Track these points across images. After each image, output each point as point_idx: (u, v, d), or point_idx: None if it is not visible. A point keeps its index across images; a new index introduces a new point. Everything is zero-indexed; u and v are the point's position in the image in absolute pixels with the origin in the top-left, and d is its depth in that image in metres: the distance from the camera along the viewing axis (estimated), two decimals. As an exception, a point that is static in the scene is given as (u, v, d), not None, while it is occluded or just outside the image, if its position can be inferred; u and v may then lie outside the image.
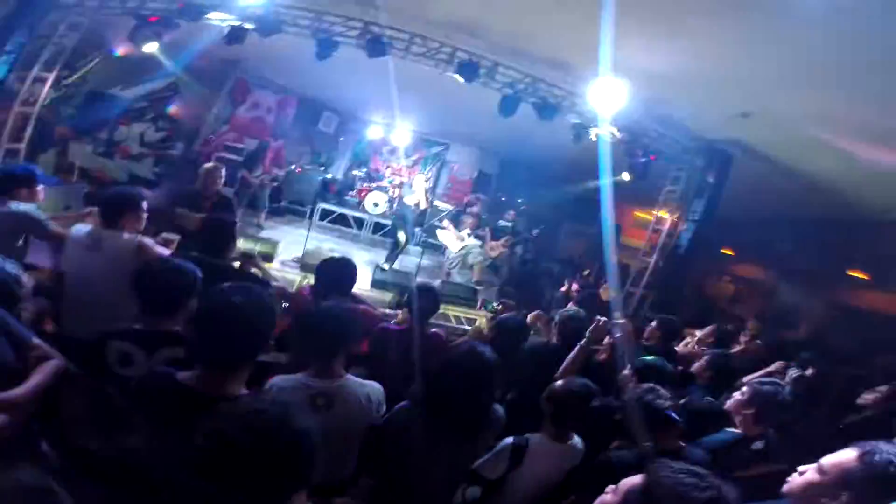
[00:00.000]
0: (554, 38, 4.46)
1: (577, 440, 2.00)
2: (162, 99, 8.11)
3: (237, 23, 4.47)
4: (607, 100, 4.85)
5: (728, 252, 12.32)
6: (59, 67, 5.19)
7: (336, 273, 2.64)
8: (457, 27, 4.45)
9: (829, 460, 1.35)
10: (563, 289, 6.19)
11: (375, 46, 4.55)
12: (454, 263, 7.38)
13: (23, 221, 2.86)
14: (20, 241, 2.94)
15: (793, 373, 3.71)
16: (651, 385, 1.97)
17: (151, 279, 1.89)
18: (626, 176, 6.57)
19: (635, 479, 1.09)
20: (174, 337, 1.79)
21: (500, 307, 5.28)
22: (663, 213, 6.92)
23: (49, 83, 5.10)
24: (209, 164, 4.27)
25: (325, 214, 9.61)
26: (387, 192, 9.91)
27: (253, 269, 3.03)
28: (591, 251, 9.20)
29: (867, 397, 3.41)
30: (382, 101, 8.53)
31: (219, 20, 4.52)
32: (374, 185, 10.15)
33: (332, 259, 2.82)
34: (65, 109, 6.78)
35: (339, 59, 4.80)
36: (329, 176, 10.50)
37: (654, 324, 3.63)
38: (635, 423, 1.85)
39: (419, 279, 5.99)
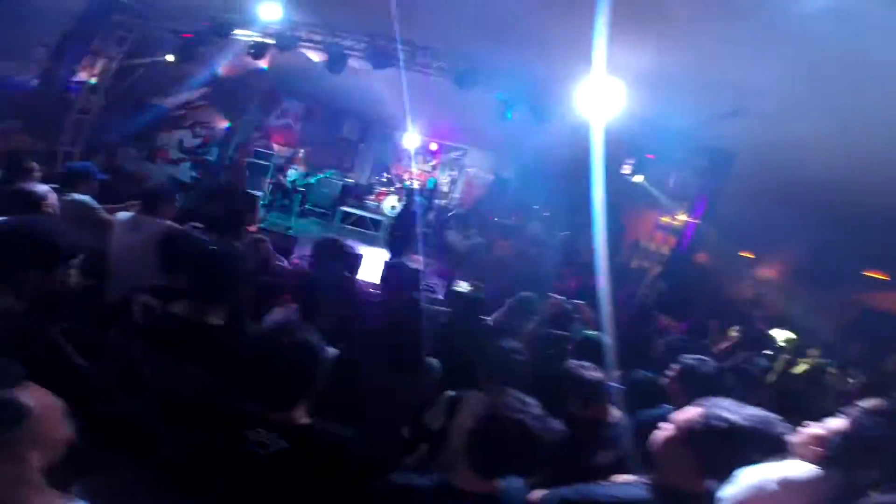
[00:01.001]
0: (548, 41, 4.72)
1: None
2: (198, 107, 8.87)
3: (259, 39, 5.02)
4: (601, 100, 5.02)
5: (748, 255, 12.23)
6: (109, 78, 5.91)
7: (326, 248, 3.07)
8: (452, 36, 4.82)
9: (678, 416, 1.50)
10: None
11: (380, 58, 5.01)
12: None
13: (82, 208, 3.45)
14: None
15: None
16: (582, 362, 2.21)
17: (172, 246, 2.37)
18: (638, 178, 6.69)
19: None
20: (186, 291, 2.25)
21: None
22: (665, 219, 7.09)
23: (101, 93, 5.81)
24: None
25: (346, 217, 10.20)
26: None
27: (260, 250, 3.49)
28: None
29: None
30: (401, 108, 9.08)
31: (244, 36, 5.09)
32: (391, 188, 10.67)
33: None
34: (113, 117, 7.57)
35: (361, 68, 5.23)
36: (351, 181, 11.11)
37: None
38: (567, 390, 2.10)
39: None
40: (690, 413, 1.47)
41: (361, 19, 4.89)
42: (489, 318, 3.64)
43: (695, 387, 2.25)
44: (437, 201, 9.47)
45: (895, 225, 6.96)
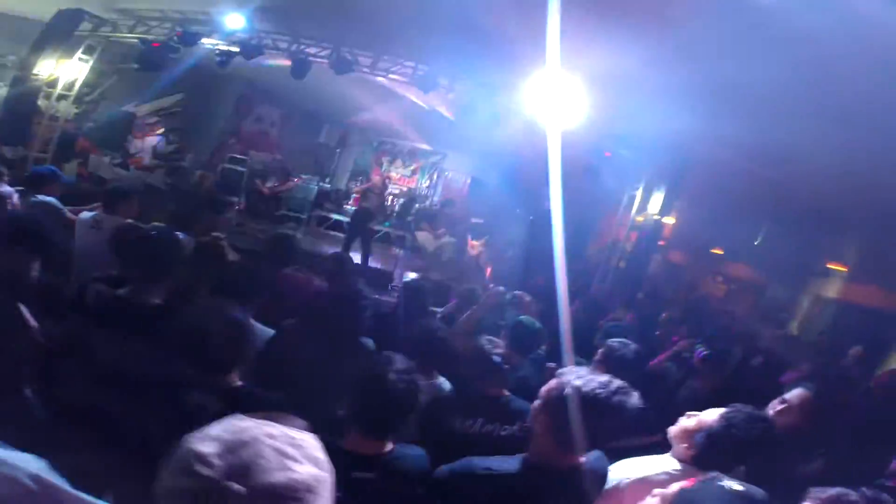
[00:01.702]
0: (508, 41, 4.88)
1: (442, 380, 2.33)
2: (172, 114, 8.99)
3: (225, 47, 5.21)
4: (557, 97, 5.18)
5: (718, 252, 12.63)
6: (79, 86, 6.04)
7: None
8: (412, 44, 5.06)
9: (545, 387, 1.51)
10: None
11: (342, 65, 5.24)
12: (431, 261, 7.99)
13: (47, 209, 3.60)
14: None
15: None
16: (492, 338, 2.32)
17: (122, 238, 2.55)
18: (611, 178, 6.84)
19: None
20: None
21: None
22: (639, 218, 7.31)
23: (71, 100, 5.94)
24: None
25: (322, 221, 10.36)
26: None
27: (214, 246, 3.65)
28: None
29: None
30: (380, 113, 9.31)
31: (211, 44, 5.27)
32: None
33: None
34: (85, 124, 7.67)
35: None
36: (328, 186, 11.27)
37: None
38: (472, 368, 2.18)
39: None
40: (551, 383, 1.49)
41: (324, 27, 5.11)
42: (440, 310, 3.86)
43: (616, 369, 2.26)
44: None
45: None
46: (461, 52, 5.02)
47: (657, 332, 4.69)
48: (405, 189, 11.97)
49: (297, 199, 10.63)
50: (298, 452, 0.66)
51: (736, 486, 1.08)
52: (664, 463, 1.70)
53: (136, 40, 5.30)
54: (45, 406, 1.90)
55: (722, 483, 1.10)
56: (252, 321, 2.26)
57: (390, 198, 10.86)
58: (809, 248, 9.43)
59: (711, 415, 1.70)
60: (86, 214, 3.44)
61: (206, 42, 5.28)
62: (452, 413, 2.07)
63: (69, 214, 3.63)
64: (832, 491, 1.36)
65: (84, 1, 5.32)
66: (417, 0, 4.24)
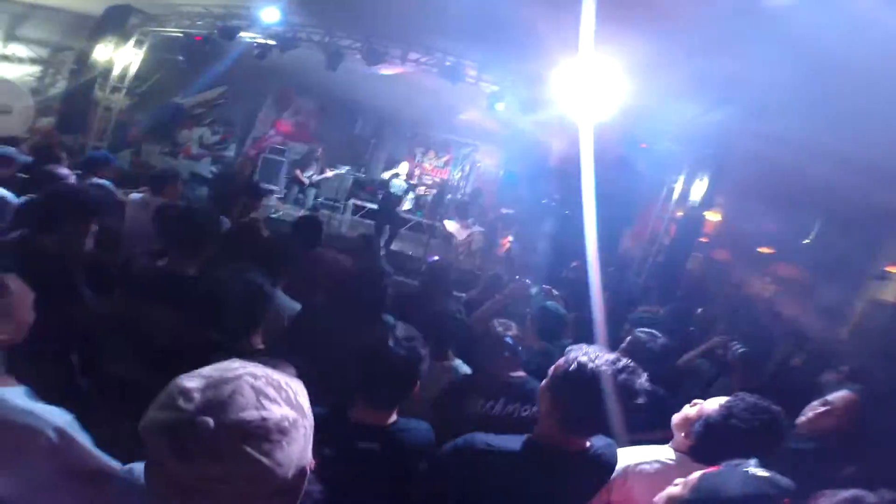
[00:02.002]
0: (536, 33, 4.84)
1: (458, 362, 2.37)
2: (216, 106, 9.40)
3: (262, 40, 5.41)
4: (590, 87, 5.06)
5: (766, 251, 12.01)
6: (131, 78, 6.43)
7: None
8: (441, 32, 5.06)
9: (553, 365, 1.46)
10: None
11: (373, 56, 5.32)
12: (461, 250, 8.04)
13: (101, 190, 3.90)
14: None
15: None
16: (505, 321, 2.30)
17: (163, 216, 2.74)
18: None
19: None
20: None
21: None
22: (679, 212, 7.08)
23: (123, 92, 6.33)
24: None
25: (357, 210, 10.60)
26: (413, 190, 10.73)
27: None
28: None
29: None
30: (414, 105, 9.40)
31: (249, 38, 5.49)
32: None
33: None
34: (137, 115, 8.15)
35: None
36: (363, 175, 11.50)
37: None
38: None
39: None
40: (559, 360, 1.44)
41: (355, 19, 5.20)
42: (465, 295, 3.90)
43: (641, 360, 2.28)
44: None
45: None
46: (490, 42, 5.00)
47: (691, 329, 4.56)
48: (437, 180, 12.03)
49: (333, 187, 10.93)
50: (279, 395, 0.68)
51: (761, 472, 1.04)
52: (660, 452, 1.63)
53: (180, 34, 5.59)
54: (86, 372, 2.08)
55: (747, 469, 1.06)
56: (281, 293, 2.40)
57: (422, 188, 10.97)
58: (866, 250, 8.85)
59: (713, 403, 1.61)
60: (134, 196, 3.80)
61: (245, 35, 5.50)
62: (468, 394, 2.08)
63: (120, 196, 3.93)
64: (846, 494, 1.27)
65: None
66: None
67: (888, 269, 9.11)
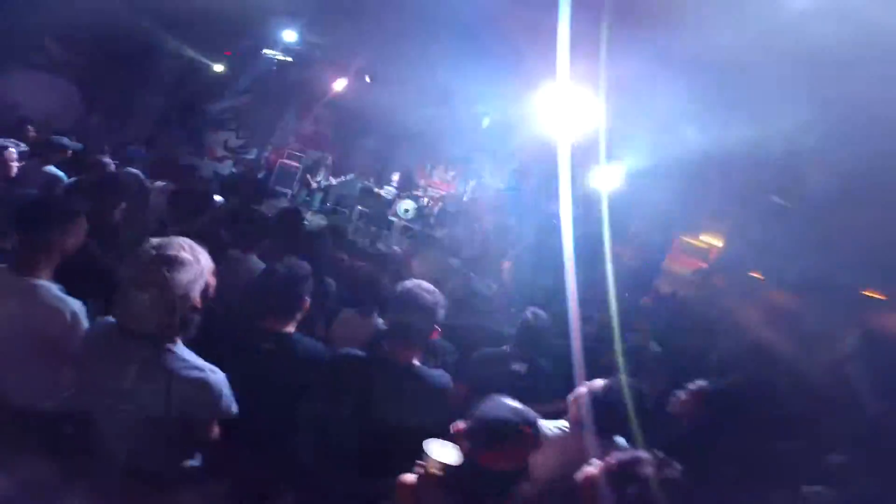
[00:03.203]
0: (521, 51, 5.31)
1: (379, 321, 2.79)
2: (242, 112, 10.29)
3: (282, 57, 6.21)
4: (574, 108, 5.11)
5: (757, 276, 12.12)
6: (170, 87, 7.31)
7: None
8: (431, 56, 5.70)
9: None
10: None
11: (378, 75, 6.04)
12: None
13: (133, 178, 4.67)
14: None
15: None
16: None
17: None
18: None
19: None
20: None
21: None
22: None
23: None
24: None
25: (362, 216, 11.29)
26: (418, 200, 11.38)
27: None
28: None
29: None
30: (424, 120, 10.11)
31: (271, 54, 6.30)
32: (405, 193, 11.67)
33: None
34: (172, 118, 9.05)
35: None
36: (371, 184, 12.21)
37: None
38: None
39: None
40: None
41: (365, 40, 5.94)
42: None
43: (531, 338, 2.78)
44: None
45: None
46: (480, 63, 5.59)
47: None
48: (443, 194, 12.65)
49: (343, 194, 11.67)
50: (199, 253, 1.38)
51: (515, 403, 1.43)
52: (560, 423, 1.98)
53: (213, 50, 6.44)
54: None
55: (504, 399, 1.45)
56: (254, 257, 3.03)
57: (426, 200, 11.58)
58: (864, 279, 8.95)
59: (598, 382, 1.92)
60: (159, 183, 4.51)
61: (267, 52, 6.31)
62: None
63: (148, 183, 4.68)
64: (631, 453, 1.46)
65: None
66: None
67: None
